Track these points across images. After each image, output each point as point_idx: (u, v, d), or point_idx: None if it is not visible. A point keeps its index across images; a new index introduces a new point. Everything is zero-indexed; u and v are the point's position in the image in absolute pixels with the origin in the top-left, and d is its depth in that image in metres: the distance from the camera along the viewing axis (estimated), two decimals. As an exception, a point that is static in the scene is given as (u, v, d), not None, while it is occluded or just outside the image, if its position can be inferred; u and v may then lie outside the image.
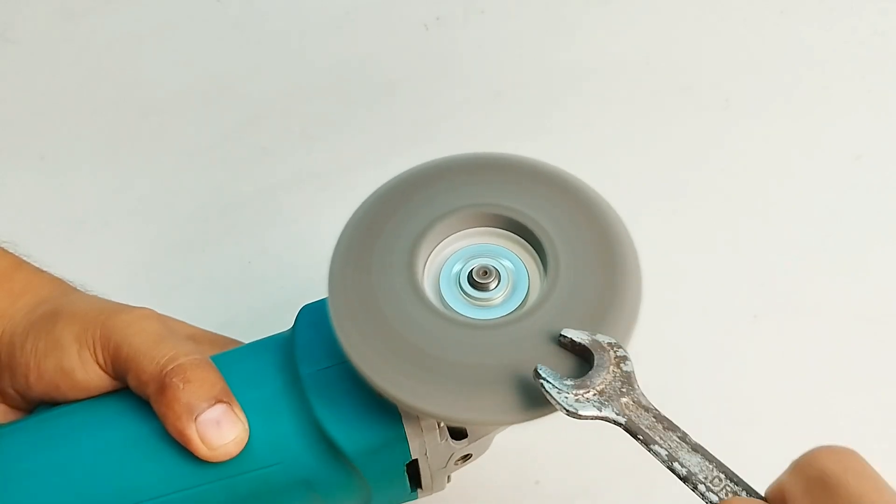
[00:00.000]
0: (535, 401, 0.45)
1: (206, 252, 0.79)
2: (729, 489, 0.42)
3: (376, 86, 0.86)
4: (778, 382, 0.71)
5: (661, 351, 0.70)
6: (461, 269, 0.49)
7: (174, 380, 0.50)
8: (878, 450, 0.68)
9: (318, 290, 0.51)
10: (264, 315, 0.72)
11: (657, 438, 0.44)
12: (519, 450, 0.68)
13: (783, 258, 0.76)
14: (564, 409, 0.44)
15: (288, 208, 0.80)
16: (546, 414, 0.46)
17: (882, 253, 0.76)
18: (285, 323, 0.54)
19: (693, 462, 0.43)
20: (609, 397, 0.44)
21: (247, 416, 0.51)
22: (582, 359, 0.46)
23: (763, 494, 0.41)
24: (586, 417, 0.44)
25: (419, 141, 0.82)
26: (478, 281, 0.48)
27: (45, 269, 0.59)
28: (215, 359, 0.52)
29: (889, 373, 0.71)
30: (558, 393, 0.44)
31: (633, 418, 0.44)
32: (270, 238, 0.79)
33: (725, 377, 0.71)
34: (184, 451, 0.50)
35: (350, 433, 0.50)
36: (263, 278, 0.77)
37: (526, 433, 0.66)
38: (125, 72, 0.88)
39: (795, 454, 0.67)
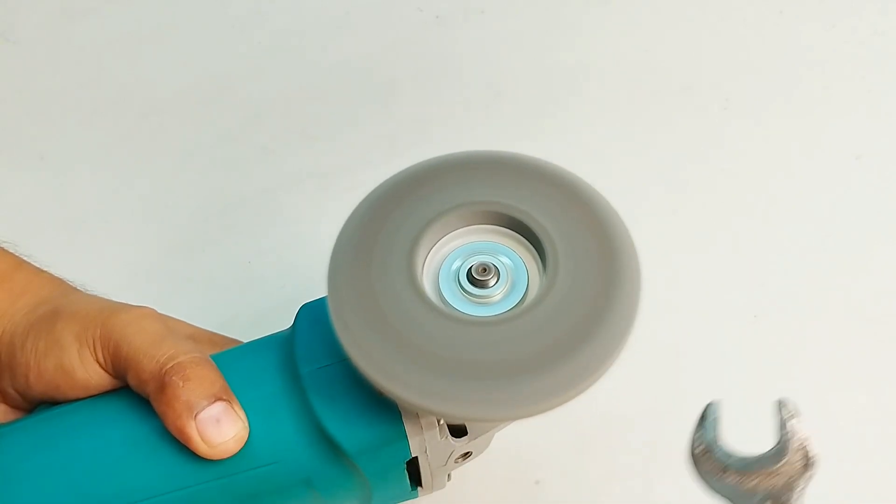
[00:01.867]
0: (534, 397, 0.45)
1: (206, 252, 0.79)
2: None
3: (376, 86, 0.86)
4: (778, 382, 0.71)
5: (660, 351, 0.70)
6: (460, 267, 0.49)
7: (174, 378, 0.50)
8: (879, 450, 0.68)
9: (318, 290, 0.51)
10: (264, 315, 0.72)
11: None
12: (519, 449, 0.68)
13: (783, 258, 0.76)
14: (696, 472, 0.42)
15: (288, 208, 0.80)
16: (545, 410, 0.46)
17: (882, 253, 0.76)
18: (285, 323, 0.54)
19: None
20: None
21: (246, 415, 0.51)
22: None
23: None
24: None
25: (419, 141, 0.82)
26: (477, 278, 0.49)
27: (45, 269, 0.59)
28: (215, 358, 0.52)
29: (889, 373, 0.71)
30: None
31: None
32: (270, 238, 0.79)
33: (725, 377, 0.71)
34: (184, 449, 0.50)
35: (350, 431, 0.50)
36: (263, 278, 0.77)
37: (526, 433, 0.66)
38: (125, 72, 0.88)
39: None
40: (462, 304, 0.49)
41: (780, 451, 0.44)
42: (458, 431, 0.52)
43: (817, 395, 0.70)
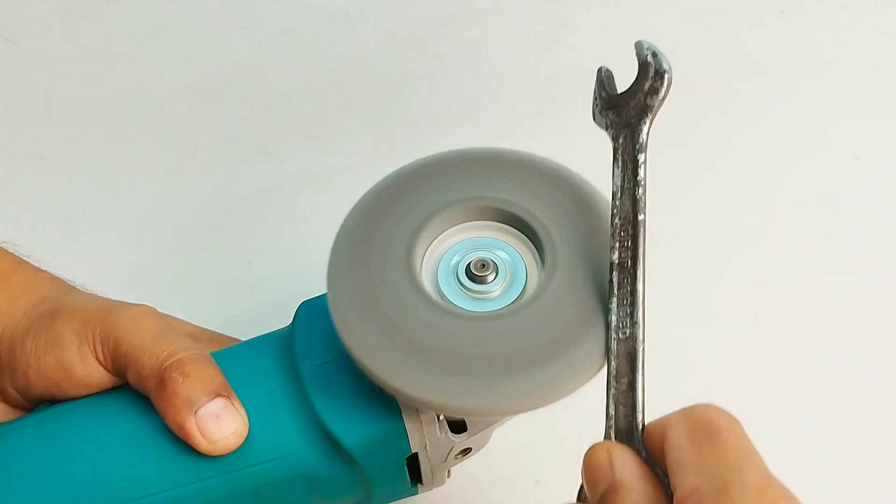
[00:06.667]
0: (533, 391, 0.46)
1: (206, 252, 0.79)
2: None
3: (376, 86, 0.86)
4: (778, 382, 0.71)
5: (660, 350, 0.70)
6: (459, 263, 0.50)
7: (174, 374, 0.50)
8: (879, 450, 0.68)
9: (318, 289, 0.52)
10: (264, 315, 0.72)
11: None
12: (519, 449, 0.68)
13: (783, 258, 0.76)
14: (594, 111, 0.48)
15: (288, 208, 0.80)
16: (544, 404, 0.46)
17: (882, 253, 0.76)
18: (286, 323, 0.54)
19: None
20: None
21: (247, 412, 0.51)
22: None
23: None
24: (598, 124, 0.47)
25: (419, 141, 0.82)
26: (475, 274, 0.49)
27: (44, 268, 0.59)
28: (214, 355, 0.53)
29: (889, 373, 0.71)
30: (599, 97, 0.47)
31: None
32: (270, 238, 0.79)
33: (725, 377, 0.71)
34: (184, 446, 0.50)
35: (350, 427, 0.50)
36: (263, 278, 0.77)
37: (526, 433, 0.66)
38: (125, 72, 0.88)
39: (795, 454, 0.67)
40: (461, 299, 0.49)
41: (637, 77, 0.46)
42: (457, 427, 0.52)
43: (817, 394, 0.70)
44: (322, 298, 0.51)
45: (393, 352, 0.46)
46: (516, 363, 0.46)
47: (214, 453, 0.50)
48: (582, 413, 0.60)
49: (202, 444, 0.50)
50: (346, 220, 0.51)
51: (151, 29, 0.90)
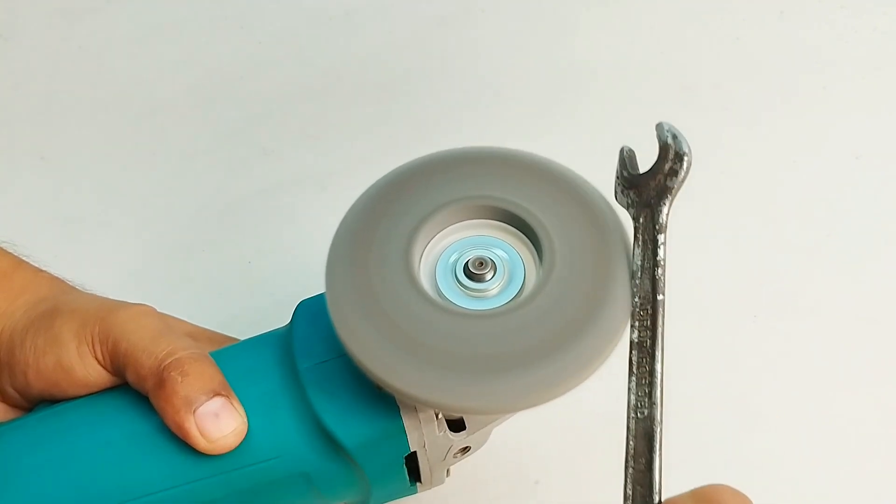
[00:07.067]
0: (531, 389, 0.45)
1: (206, 252, 0.79)
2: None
3: (376, 86, 0.86)
4: (778, 382, 0.71)
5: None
6: (457, 261, 0.50)
7: (172, 373, 0.50)
8: (879, 449, 0.68)
9: (318, 289, 0.51)
10: (264, 315, 0.72)
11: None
12: (519, 449, 0.68)
13: (783, 258, 0.76)
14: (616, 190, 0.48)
15: (288, 208, 0.80)
16: (542, 402, 0.46)
17: (882, 253, 0.76)
18: (285, 323, 0.54)
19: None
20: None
21: (246, 411, 0.51)
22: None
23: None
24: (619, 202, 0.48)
25: (419, 141, 0.82)
26: (473, 272, 0.49)
27: (44, 268, 0.59)
28: (213, 355, 0.53)
29: (889, 373, 0.71)
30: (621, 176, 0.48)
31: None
32: (270, 238, 0.79)
33: (725, 377, 0.71)
34: (183, 445, 0.50)
35: (348, 426, 0.50)
36: (263, 278, 0.77)
37: (526, 433, 0.66)
38: (125, 72, 0.88)
39: (795, 454, 0.67)
40: (459, 298, 0.49)
41: (658, 158, 0.47)
42: (456, 426, 0.52)
43: (817, 395, 0.70)
44: (321, 297, 0.51)
45: (391, 350, 0.46)
46: (514, 361, 0.46)
47: (213, 452, 0.50)
48: (581, 414, 0.60)
49: (201, 444, 0.50)
50: (344, 219, 0.51)
51: (151, 29, 0.90)
